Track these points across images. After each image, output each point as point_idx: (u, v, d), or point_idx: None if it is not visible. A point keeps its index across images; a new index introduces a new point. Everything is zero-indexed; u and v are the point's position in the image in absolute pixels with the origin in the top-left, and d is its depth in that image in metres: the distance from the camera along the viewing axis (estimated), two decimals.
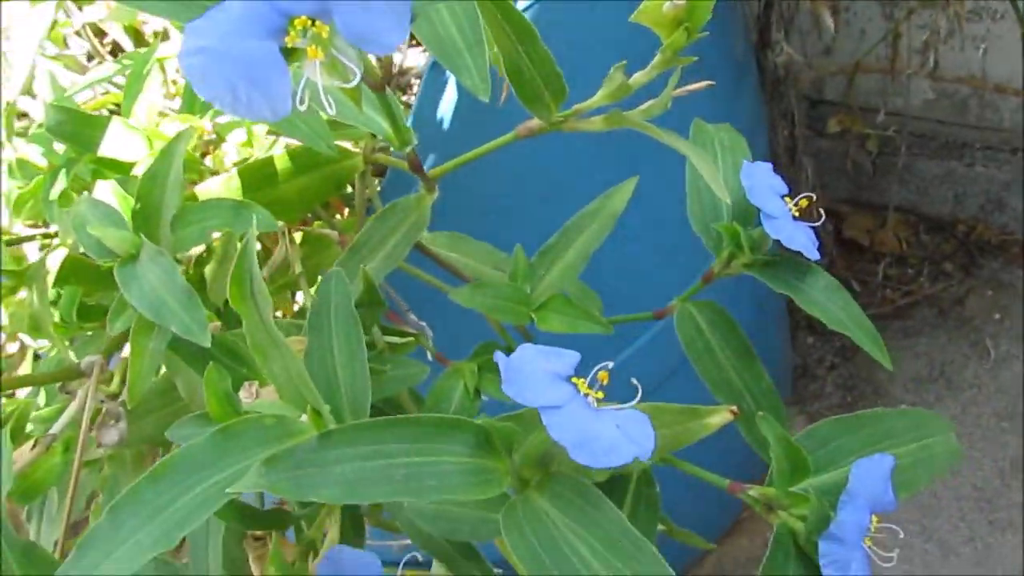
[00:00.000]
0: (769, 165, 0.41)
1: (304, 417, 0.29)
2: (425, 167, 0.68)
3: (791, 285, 0.40)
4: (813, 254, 0.39)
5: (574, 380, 0.28)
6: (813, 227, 0.41)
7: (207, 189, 0.50)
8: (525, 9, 0.73)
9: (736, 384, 0.44)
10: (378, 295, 0.41)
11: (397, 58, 0.81)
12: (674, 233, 0.72)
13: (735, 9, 0.96)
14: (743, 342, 0.44)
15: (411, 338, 0.52)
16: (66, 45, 0.71)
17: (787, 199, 0.41)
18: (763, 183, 0.40)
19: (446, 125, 0.75)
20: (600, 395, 0.28)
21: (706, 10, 0.33)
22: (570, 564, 0.25)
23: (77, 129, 0.49)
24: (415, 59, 0.82)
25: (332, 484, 0.25)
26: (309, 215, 0.57)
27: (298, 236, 0.58)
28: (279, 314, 0.56)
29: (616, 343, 0.83)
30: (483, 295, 0.48)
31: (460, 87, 0.73)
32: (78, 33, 0.72)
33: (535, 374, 0.28)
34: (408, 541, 0.35)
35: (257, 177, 0.51)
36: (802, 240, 0.39)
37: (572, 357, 0.29)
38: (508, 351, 0.52)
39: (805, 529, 0.35)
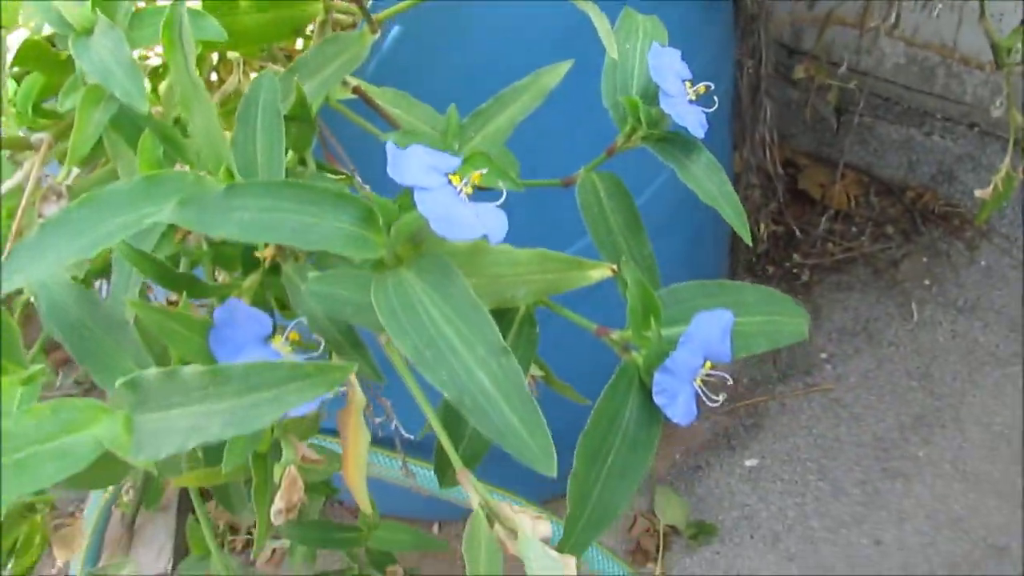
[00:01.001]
0: (678, 52, 0.46)
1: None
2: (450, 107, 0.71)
3: (677, 160, 0.45)
4: (698, 132, 0.44)
5: (450, 176, 0.33)
6: (706, 112, 0.45)
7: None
8: None
9: (621, 247, 0.49)
10: (309, 113, 0.45)
11: None
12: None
13: None
14: (634, 213, 0.49)
15: (344, 176, 0.57)
16: None
17: (688, 84, 0.45)
18: (667, 65, 0.44)
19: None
20: (470, 191, 0.33)
21: None
22: (421, 322, 0.30)
23: None
24: None
25: (231, 224, 0.30)
26: (264, 54, 0.61)
27: (252, 75, 0.62)
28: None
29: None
30: (412, 141, 0.52)
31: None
32: None
33: (417, 162, 0.32)
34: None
35: (217, 1, 0.55)
36: (692, 119, 0.44)
37: (453, 160, 0.34)
38: None
39: (644, 362, 0.41)
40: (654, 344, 0.40)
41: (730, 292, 0.46)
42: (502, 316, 0.49)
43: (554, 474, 0.29)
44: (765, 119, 1.25)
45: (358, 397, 0.49)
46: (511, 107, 0.57)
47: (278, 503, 0.36)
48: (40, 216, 0.45)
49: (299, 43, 0.70)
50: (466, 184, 0.33)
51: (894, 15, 1.03)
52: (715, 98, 0.45)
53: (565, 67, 0.57)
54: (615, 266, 0.47)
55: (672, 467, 1.45)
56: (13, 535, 0.43)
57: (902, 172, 1.57)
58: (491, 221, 0.32)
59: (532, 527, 0.39)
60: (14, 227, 0.44)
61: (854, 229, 1.58)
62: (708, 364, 0.42)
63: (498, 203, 0.34)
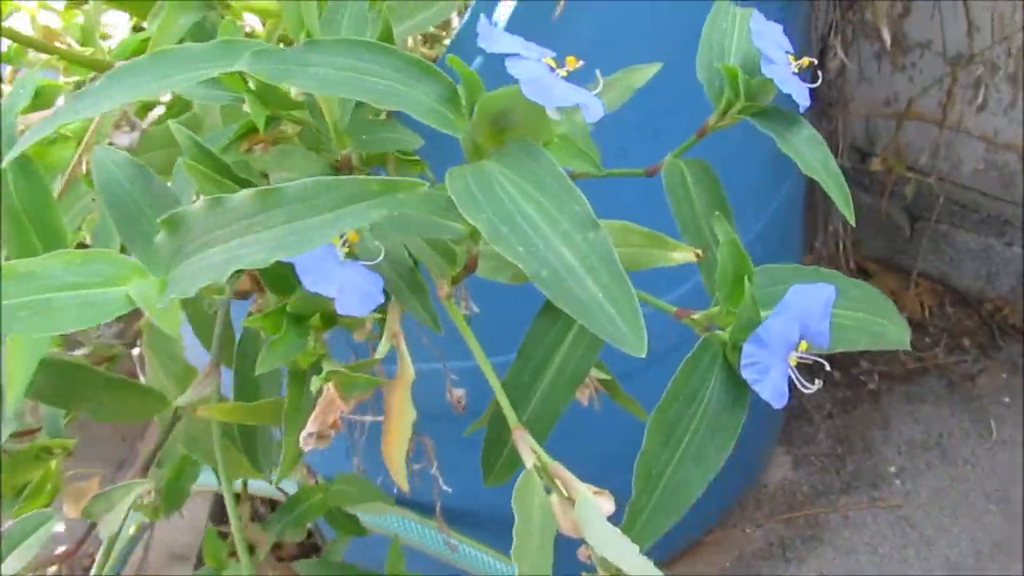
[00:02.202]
0: (779, 26, 0.43)
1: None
2: (472, 61, 0.71)
3: (777, 131, 0.42)
4: (803, 99, 0.41)
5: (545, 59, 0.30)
6: (810, 87, 0.42)
7: None
8: None
9: (706, 234, 0.45)
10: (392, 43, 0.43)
11: None
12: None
13: (795, 10, 0.98)
14: (722, 198, 0.46)
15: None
16: None
17: (791, 56, 0.42)
18: (770, 33, 0.42)
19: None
20: (565, 73, 0.30)
21: None
22: (499, 198, 0.27)
23: None
24: None
25: (307, 77, 0.27)
26: None
27: None
28: None
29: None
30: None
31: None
32: None
33: (511, 38, 0.30)
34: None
35: None
36: (795, 86, 0.41)
37: (545, 50, 0.31)
38: None
39: (732, 332, 0.36)
40: (745, 308, 0.36)
41: (830, 279, 0.41)
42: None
43: (643, 354, 0.25)
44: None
45: (407, 371, 0.45)
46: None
47: (310, 426, 0.32)
48: (110, 142, 0.44)
49: None
50: (561, 68, 0.30)
51: (977, 104, 1.00)
52: (819, 73, 0.42)
53: (654, 68, 0.54)
54: (699, 251, 0.44)
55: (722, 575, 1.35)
56: (25, 475, 0.40)
57: (980, 283, 1.51)
58: (588, 97, 0.29)
59: (594, 500, 0.34)
60: (78, 153, 0.43)
61: (927, 339, 1.51)
62: (804, 344, 0.37)
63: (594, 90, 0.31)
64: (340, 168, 0.37)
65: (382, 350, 0.45)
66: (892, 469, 1.41)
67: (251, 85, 0.33)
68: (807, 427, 1.48)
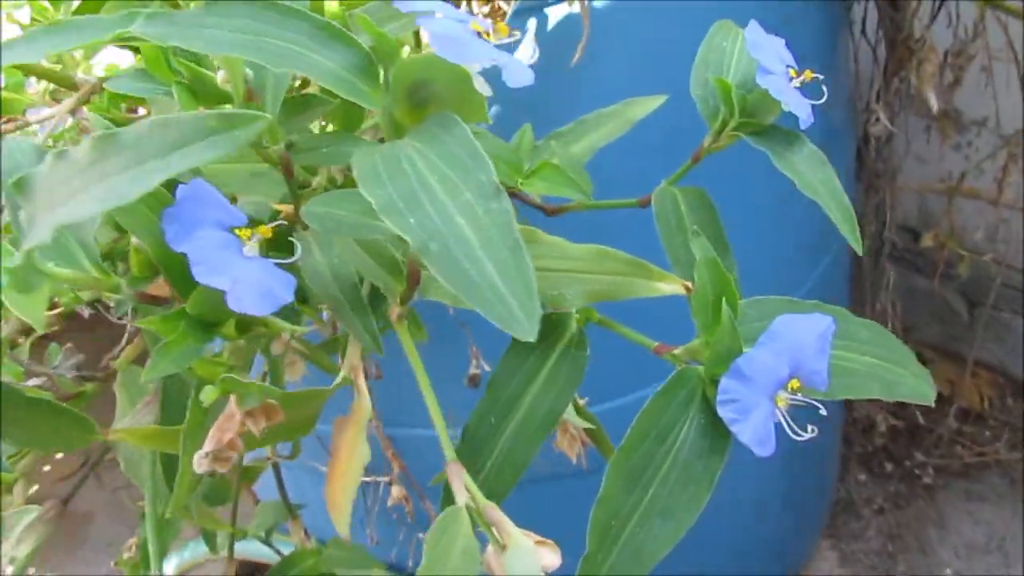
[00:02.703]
0: (781, 40, 0.39)
1: None
2: (489, 108, 0.69)
3: (775, 150, 0.37)
4: (803, 112, 0.36)
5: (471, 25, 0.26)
6: (812, 104, 0.38)
7: None
8: None
9: None
10: None
11: None
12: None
13: (838, 70, 0.94)
14: (718, 228, 0.41)
15: None
16: None
17: (792, 71, 0.38)
18: (768, 44, 0.38)
19: None
20: (490, 38, 0.26)
21: None
22: (403, 172, 0.23)
23: None
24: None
25: (198, 39, 0.24)
26: None
27: None
28: None
29: None
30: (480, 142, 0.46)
31: (538, 43, 0.74)
32: None
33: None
34: None
35: None
36: (794, 98, 0.36)
37: (473, 17, 0.27)
38: None
39: (708, 362, 0.31)
40: (724, 339, 0.31)
41: (834, 316, 0.36)
42: (545, 331, 0.41)
43: (532, 338, 0.20)
44: (888, 286, 1.15)
45: (363, 407, 0.41)
46: (593, 134, 0.51)
47: (207, 445, 0.28)
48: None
49: None
50: (486, 31, 0.26)
51: None
52: (824, 89, 0.38)
53: (657, 101, 0.51)
54: (689, 283, 0.39)
55: None
56: None
57: None
58: (509, 59, 0.25)
59: (533, 550, 0.28)
60: None
61: (987, 433, 1.40)
62: (796, 383, 0.32)
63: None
64: (284, 171, 0.34)
65: (337, 383, 0.41)
66: (948, 572, 1.30)
67: (182, 76, 0.31)
68: (855, 522, 1.38)
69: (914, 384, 0.37)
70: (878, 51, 1.05)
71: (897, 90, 1.05)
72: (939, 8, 1.01)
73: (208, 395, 0.28)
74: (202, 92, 0.30)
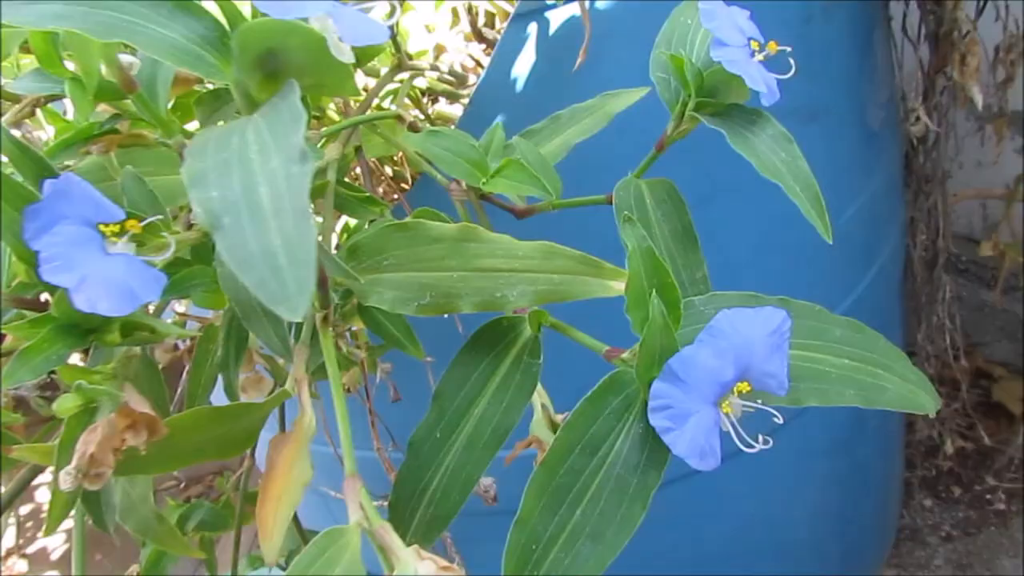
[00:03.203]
0: (745, 10, 0.35)
1: None
2: (492, 122, 0.67)
3: (733, 131, 0.34)
4: (762, 87, 0.32)
5: None
6: (779, 79, 0.34)
7: None
8: None
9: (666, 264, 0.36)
10: None
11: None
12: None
13: (875, 69, 0.89)
14: (686, 223, 0.37)
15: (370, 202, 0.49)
16: None
17: (754, 43, 0.34)
18: (725, 15, 0.34)
19: (519, 85, 0.73)
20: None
21: None
22: (228, 144, 0.20)
23: None
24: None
25: (32, 12, 0.22)
26: None
27: None
28: None
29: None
30: (437, 143, 0.44)
31: (540, 48, 0.71)
32: None
33: None
34: None
35: None
36: (752, 71, 0.32)
37: None
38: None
39: (640, 363, 0.28)
40: (656, 337, 0.27)
41: (802, 314, 0.32)
42: (496, 337, 0.38)
43: (299, 317, 0.17)
44: (944, 299, 1.07)
45: (305, 424, 0.38)
46: (568, 130, 0.48)
47: (74, 460, 0.25)
48: None
49: None
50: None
51: None
52: (792, 62, 0.34)
53: (639, 93, 0.48)
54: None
55: None
56: None
57: None
58: (348, 12, 0.22)
59: (422, 567, 0.25)
60: None
61: None
62: (745, 386, 0.28)
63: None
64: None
65: (274, 397, 0.38)
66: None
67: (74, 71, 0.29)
68: (922, 550, 1.29)
69: (902, 391, 0.33)
70: (920, 48, 1.00)
71: (944, 89, 0.98)
72: (985, 2, 0.95)
73: (63, 405, 0.25)
74: (92, 87, 0.29)
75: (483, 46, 0.79)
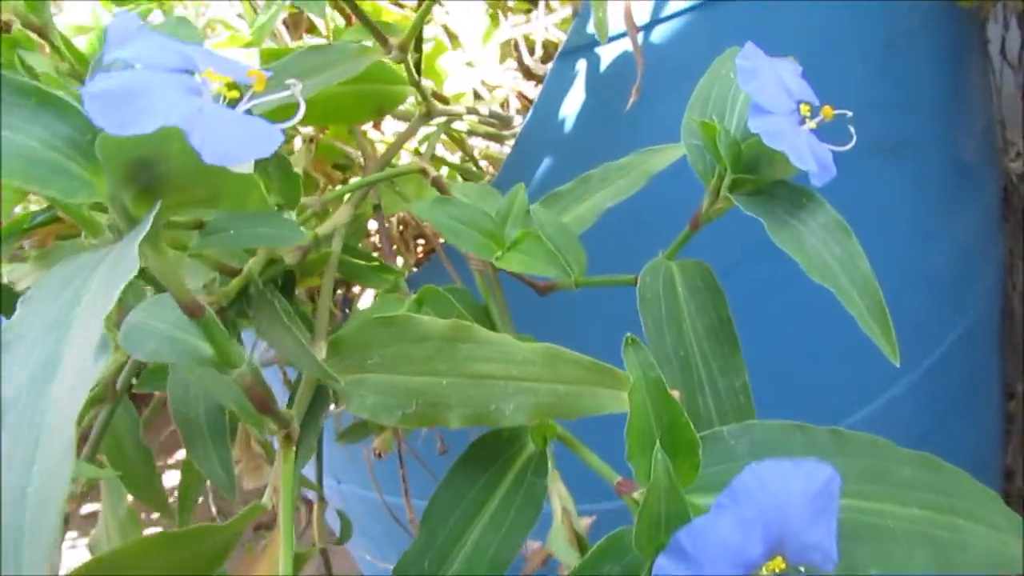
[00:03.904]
0: (794, 64, 0.29)
1: None
2: (540, 164, 0.61)
3: (775, 217, 0.27)
4: (811, 165, 0.26)
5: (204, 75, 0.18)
6: (836, 152, 0.28)
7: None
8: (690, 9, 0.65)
9: (696, 370, 0.30)
10: None
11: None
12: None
13: (969, 98, 0.80)
14: (726, 321, 0.31)
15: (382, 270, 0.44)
16: None
17: (805, 107, 0.28)
18: (768, 71, 0.28)
19: (568, 126, 0.68)
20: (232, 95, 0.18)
21: None
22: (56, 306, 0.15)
23: None
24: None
25: None
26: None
27: None
28: None
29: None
30: (445, 212, 0.39)
31: (589, 86, 0.66)
32: None
33: (155, 40, 0.19)
34: None
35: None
36: (800, 147, 0.26)
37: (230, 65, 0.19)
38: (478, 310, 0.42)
39: (638, 529, 0.22)
40: (658, 496, 0.21)
41: (859, 450, 0.25)
42: (495, 451, 0.32)
43: None
44: None
45: (282, 540, 0.33)
46: (599, 192, 0.42)
47: None
48: None
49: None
50: (223, 86, 0.18)
51: None
52: (852, 130, 0.28)
53: (680, 150, 0.42)
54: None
55: None
56: None
57: None
58: (211, 118, 0.17)
59: None
60: None
61: None
62: (779, 563, 0.22)
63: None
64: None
65: (245, 512, 0.34)
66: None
67: None
68: None
69: (990, 544, 0.26)
70: (1020, 73, 0.90)
71: None
72: None
73: None
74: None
75: (532, 83, 0.74)
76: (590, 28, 0.63)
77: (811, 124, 0.28)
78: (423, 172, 0.49)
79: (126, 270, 0.15)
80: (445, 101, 0.63)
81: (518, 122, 0.68)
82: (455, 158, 0.71)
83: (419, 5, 0.55)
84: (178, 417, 0.28)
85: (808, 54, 0.69)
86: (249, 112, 0.18)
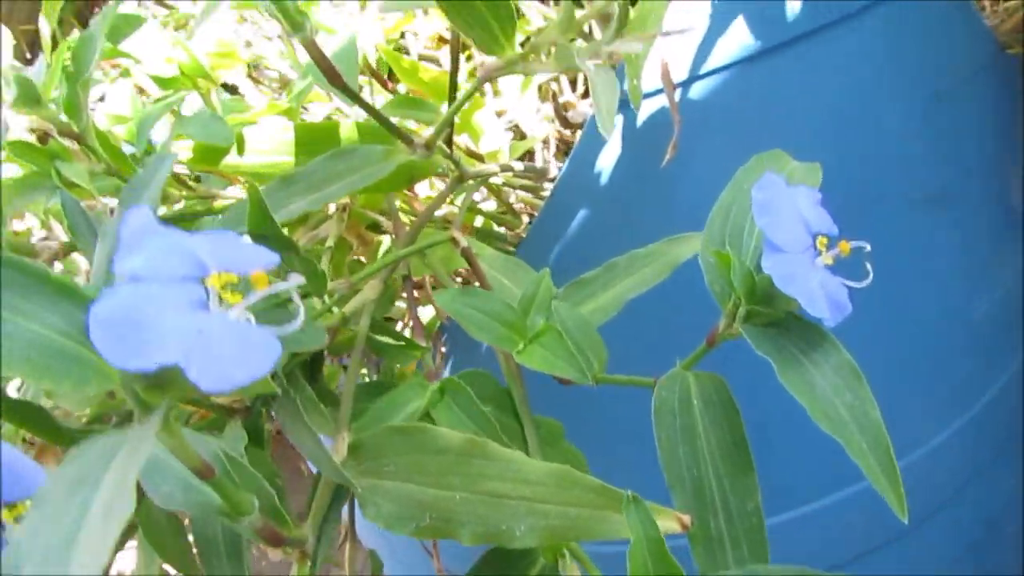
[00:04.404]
0: (815, 192, 0.29)
1: None
2: (575, 217, 0.61)
3: (785, 355, 0.27)
4: (823, 311, 0.26)
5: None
6: (851, 287, 0.27)
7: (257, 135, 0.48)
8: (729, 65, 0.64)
9: (709, 491, 0.30)
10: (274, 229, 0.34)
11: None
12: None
13: (1020, 148, 0.78)
14: (740, 439, 0.31)
15: (410, 347, 0.45)
16: None
17: (822, 240, 0.28)
18: (785, 201, 0.28)
19: (603, 178, 0.68)
20: (232, 300, 0.19)
21: None
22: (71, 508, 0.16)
23: None
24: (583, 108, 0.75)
25: None
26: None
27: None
28: None
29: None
30: (465, 303, 0.39)
31: (626, 140, 0.66)
32: None
33: (160, 243, 0.19)
34: None
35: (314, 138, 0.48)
36: (812, 291, 0.26)
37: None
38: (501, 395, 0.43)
39: None
40: None
41: None
42: (506, 565, 0.32)
43: None
44: None
45: None
46: (624, 281, 0.42)
47: None
48: None
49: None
50: (228, 288, 0.19)
51: None
52: (868, 267, 0.27)
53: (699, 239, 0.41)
54: (687, 518, 0.29)
55: None
56: None
57: None
58: (246, 346, 0.17)
59: None
60: None
61: None
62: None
63: None
64: None
65: None
66: None
67: None
68: None
69: None
70: None
71: None
72: None
73: None
74: None
75: (570, 131, 0.75)
76: (626, 86, 0.63)
77: (827, 259, 0.28)
78: (453, 241, 0.50)
79: (141, 458, 0.16)
80: (480, 158, 0.63)
81: (554, 171, 0.69)
82: (491, 204, 0.72)
83: (452, 68, 0.56)
84: (197, 533, 0.29)
85: (851, 107, 0.68)
86: (250, 310, 0.19)
